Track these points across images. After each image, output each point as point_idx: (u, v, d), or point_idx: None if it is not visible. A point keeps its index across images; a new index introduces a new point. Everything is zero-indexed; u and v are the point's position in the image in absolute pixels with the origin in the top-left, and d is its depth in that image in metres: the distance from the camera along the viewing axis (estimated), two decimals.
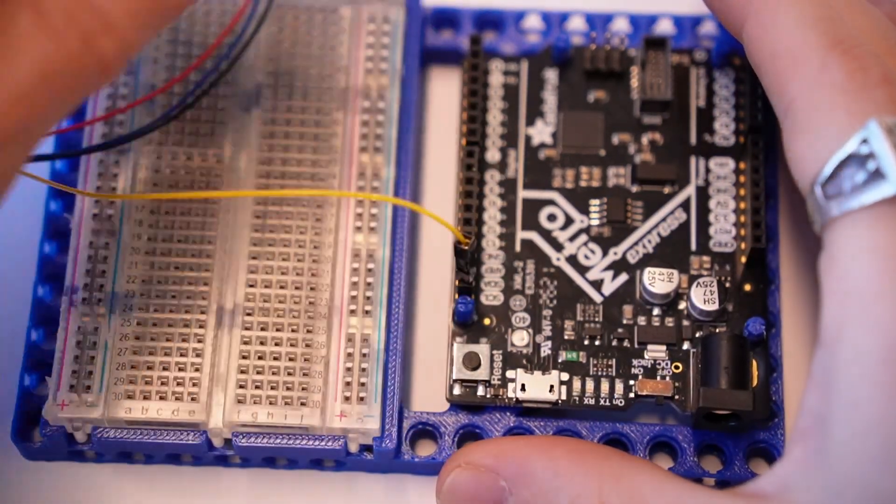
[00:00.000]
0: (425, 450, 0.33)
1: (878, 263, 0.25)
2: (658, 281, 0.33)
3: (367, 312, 0.33)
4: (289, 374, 0.32)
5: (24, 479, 0.33)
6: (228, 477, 0.33)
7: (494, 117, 0.35)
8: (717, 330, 0.33)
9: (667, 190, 0.35)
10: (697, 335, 0.33)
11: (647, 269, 0.33)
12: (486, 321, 0.33)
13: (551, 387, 0.32)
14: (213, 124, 0.34)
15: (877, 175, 0.25)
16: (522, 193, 0.35)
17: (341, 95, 0.35)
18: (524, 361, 0.33)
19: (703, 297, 0.33)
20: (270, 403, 0.32)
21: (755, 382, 0.32)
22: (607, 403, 0.32)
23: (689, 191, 0.34)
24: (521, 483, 0.29)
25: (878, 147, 0.26)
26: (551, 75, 0.36)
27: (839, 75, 0.27)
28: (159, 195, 0.33)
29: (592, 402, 0.33)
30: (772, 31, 0.29)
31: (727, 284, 0.33)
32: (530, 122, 0.35)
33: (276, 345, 0.32)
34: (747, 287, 0.33)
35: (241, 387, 0.32)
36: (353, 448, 0.32)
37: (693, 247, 0.34)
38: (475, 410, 0.33)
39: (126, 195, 0.33)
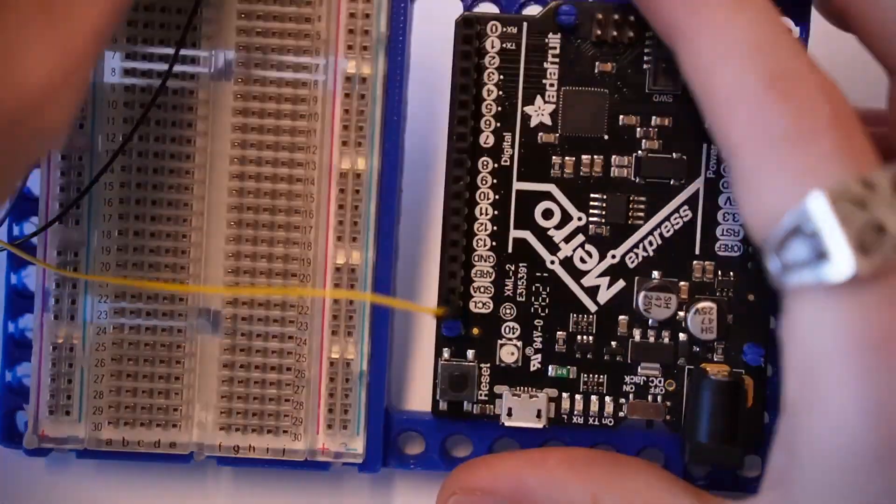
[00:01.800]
0: (413, 448, 0.33)
1: (833, 346, 0.24)
2: (654, 307, 0.31)
3: (349, 333, 0.31)
4: (271, 401, 0.31)
5: (18, 473, 0.34)
6: (215, 474, 0.34)
7: (489, 92, 0.32)
8: (714, 358, 0.32)
9: (673, 182, 0.32)
10: (694, 350, 0.32)
11: (643, 294, 0.31)
12: (475, 331, 0.32)
13: (539, 412, 0.32)
14: (184, 99, 0.31)
15: (823, 256, 0.23)
16: (517, 185, 0.32)
17: (322, 66, 0.31)
18: (512, 375, 0.32)
19: (701, 326, 0.31)
20: (253, 431, 0.31)
21: (750, 402, 0.31)
22: (596, 423, 0.32)
23: (698, 184, 0.32)
24: (520, 497, 0.30)
25: (820, 224, 0.23)
26: (553, 42, 0.32)
27: (780, 123, 0.24)
28: (123, 280, 0.31)
29: (581, 421, 0.32)
30: (703, 60, 0.26)
31: (729, 295, 0.32)
32: (528, 100, 0.32)
33: (258, 369, 0.31)
34: (750, 297, 0.32)
35: (223, 413, 0.31)
36: (338, 467, 0.32)
37: (697, 250, 0.32)
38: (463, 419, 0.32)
39: (88, 275, 0.31)
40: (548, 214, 0.32)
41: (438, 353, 0.32)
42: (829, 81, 0.25)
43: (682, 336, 0.32)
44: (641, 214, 0.32)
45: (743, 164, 0.25)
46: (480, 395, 0.32)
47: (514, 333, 0.32)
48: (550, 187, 0.32)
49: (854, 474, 0.24)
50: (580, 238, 0.32)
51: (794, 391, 0.25)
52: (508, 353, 0.32)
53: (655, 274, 0.32)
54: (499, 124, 0.32)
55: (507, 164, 0.32)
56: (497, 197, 0.32)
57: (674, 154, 0.32)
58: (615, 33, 0.32)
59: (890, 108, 0.30)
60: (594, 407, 0.32)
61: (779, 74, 0.25)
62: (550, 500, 0.29)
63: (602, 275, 0.32)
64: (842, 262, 0.23)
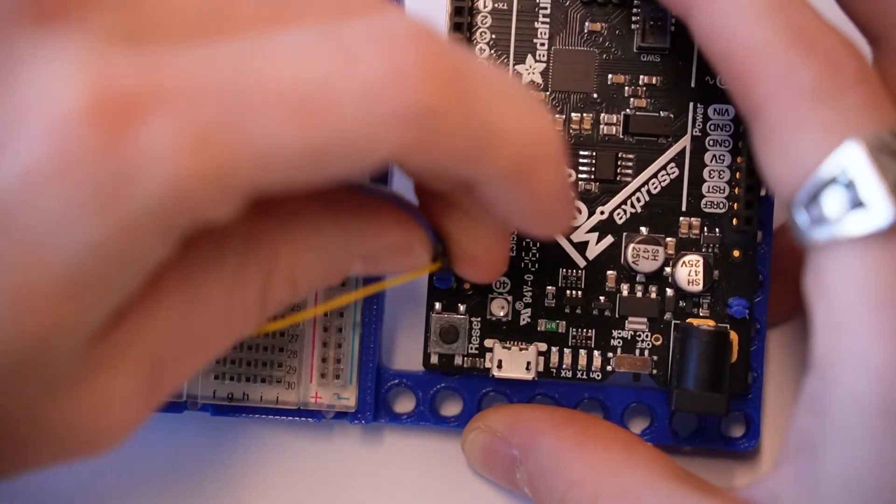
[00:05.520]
0: (404, 403, 0.34)
1: (868, 299, 0.24)
2: (643, 259, 0.32)
3: (343, 283, 0.32)
4: (265, 350, 0.32)
5: None
6: (209, 423, 0.34)
7: (482, 50, 0.33)
8: (700, 313, 0.32)
9: (660, 140, 0.32)
10: (680, 304, 0.32)
11: (632, 246, 0.32)
12: (466, 285, 0.33)
13: (528, 364, 0.32)
14: None
15: (860, 204, 0.24)
16: None
17: None
18: (503, 329, 0.32)
19: (688, 279, 0.32)
20: (247, 380, 0.32)
21: (735, 357, 0.32)
22: (584, 377, 0.32)
23: (684, 142, 0.32)
24: (528, 455, 0.30)
25: (858, 172, 0.24)
26: (544, 2, 0.33)
27: (808, 78, 0.25)
28: None
29: (569, 374, 0.32)
30: (722, 24, 0.26)
31: (715, 251, 0.32)
32: (520, 59, 0.33)
33: None
34: (735, 253, 0.32)
35: (217, 362, 0.32)
36: (329, 417, 0.32)
37: (683, 207, 0.32)
38: (453, 373, 0.33)
39: None
40: None
41: (430, 306, 0.33)
42: (847, 38, 0.25)
43: (668, 291, 0.32)
44: (629, 171, 0.32)
45: (771, 120, 0.25)
46: (471, 348, 0.32)
47: (504, 288, 0.33)
48: None
49: (890, 431, 0.24)
50: None
51: (824, 347, 0.25)
52: (499, 308, 0.33)
53: (643, 230, 0.32)
54: None
55: None
56: None
57: (661, 112, 0.32)
58: None
59: None
60: (582, 361, 0.32)
61: (802, 29, 0.25)
62: (553, 468, 0.30)
63: (591, 231, 0.33)
64: (881, 210, 0.23)
